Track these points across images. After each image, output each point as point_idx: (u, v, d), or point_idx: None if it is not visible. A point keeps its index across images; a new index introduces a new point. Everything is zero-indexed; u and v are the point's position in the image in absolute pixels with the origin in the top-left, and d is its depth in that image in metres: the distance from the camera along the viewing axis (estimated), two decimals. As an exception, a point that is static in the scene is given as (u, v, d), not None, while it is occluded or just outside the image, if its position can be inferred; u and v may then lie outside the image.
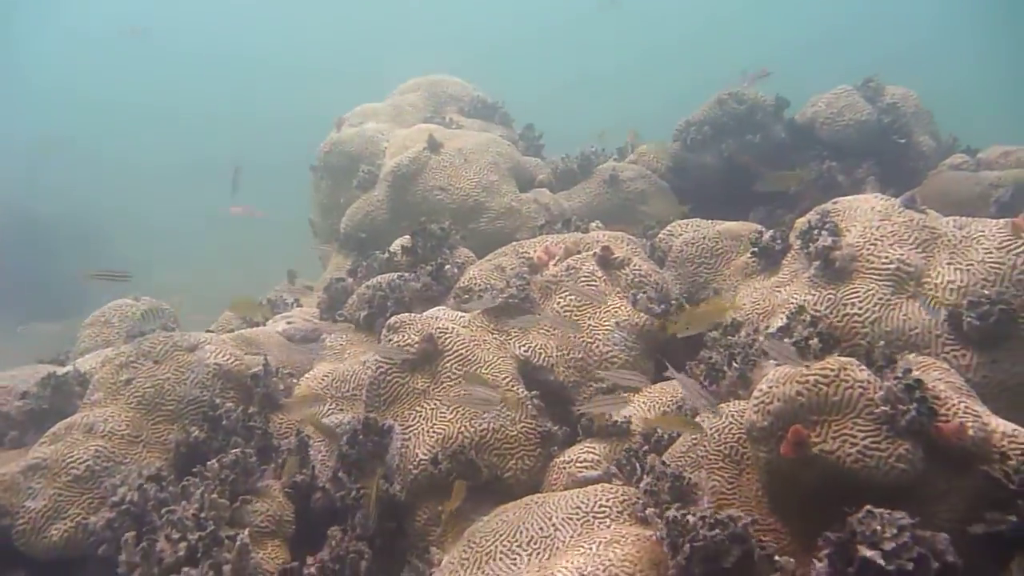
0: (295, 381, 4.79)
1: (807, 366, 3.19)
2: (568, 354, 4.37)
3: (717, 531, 2.82)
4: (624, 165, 7.39)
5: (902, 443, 2.83)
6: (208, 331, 5.74)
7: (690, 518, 2.92)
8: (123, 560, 3.46)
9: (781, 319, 3.88)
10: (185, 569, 3.37)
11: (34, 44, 32.96)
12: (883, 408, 2.88)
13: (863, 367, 3.07)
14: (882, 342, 3.40)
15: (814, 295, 3.88)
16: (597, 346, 4.32)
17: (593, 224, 5.42)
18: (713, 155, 7.06)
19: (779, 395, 3.08)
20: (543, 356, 4.40)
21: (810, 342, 3.39)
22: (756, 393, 3.21)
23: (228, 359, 4.56)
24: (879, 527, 2.58)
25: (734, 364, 3.66)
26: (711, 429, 3.47)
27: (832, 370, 3.03)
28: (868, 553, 2.52)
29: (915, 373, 3.13)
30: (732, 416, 3.47)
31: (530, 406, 4.15)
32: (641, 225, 6.23)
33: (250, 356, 4.84)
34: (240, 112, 30.62)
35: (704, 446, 3.45)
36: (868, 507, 2.66)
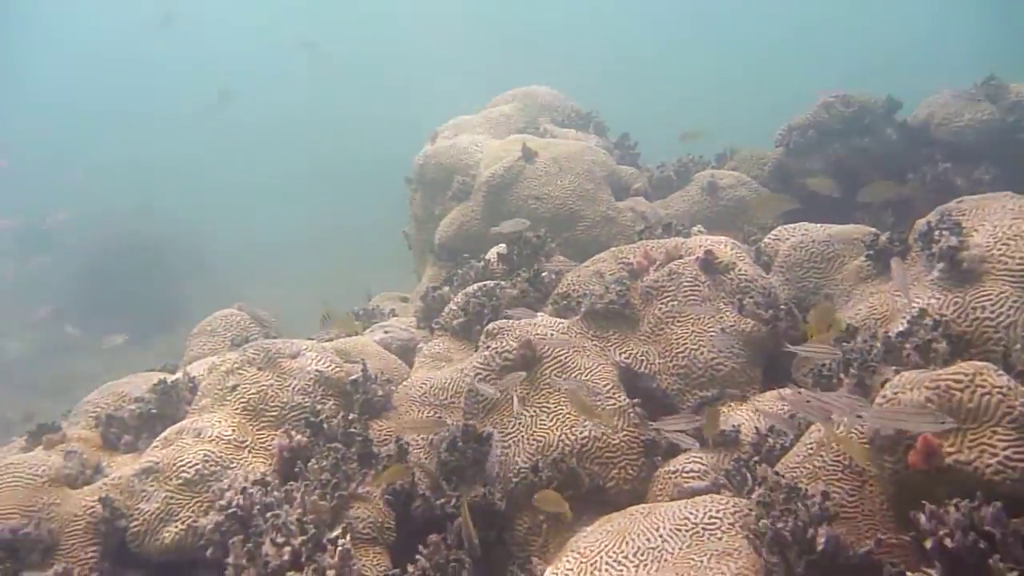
0: (394, 388, 4.79)
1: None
2: (671, 361, 4.23)
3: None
4: (723, 172, 7.20)
5: (1050, 454, 2.59)
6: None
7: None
8: (231, 563, 3.50)
9: (902, 324, 3.64)
10: (290, 573, 3.39)
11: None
12: (1027, 416, 2.65)
13: (1000, 372, 2.84)
14: (1019, 345, 3.12)
15: (939, 299, 3.63)
16: (702, 353, 4.16)
17: (695, 228, 5.26)
18: (819, 160, 6.79)
19: (907, 401, 2.87)
20: (644, 363, 4.27)
21: (935, 345, 3.16)
22: (880, 400, 3.01)
23: (329, 366, 4.61)
24: None
25: (851, 370, 3.44)
26: (829, 439, 3.27)
27: (966, 374, 2.81)
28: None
29: (1059, 379, 2.88)
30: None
31: (632, 414, 4.03)
32: (742, 232, 6.03)
33: (349, 364, 4.88)
34: (338, 123, 31.52)
35: (822, 456, 3.25)
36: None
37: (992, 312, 3.45)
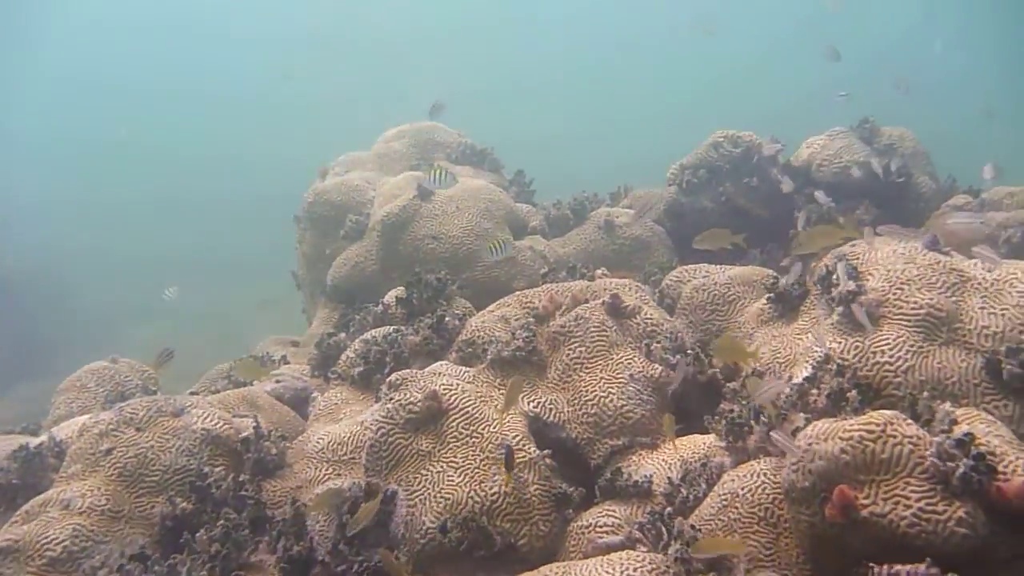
0: (288, 444, 4.50)
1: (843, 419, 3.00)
2: (580, 409, 4.14)
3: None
4: (619, 211, 7.25)
5: (961, 505, 2.62)
6: (192, 393, 5.44)
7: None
8: (105, 652, 3.15)
9: (806, 368, 3.69)
10: (174, 661, 3.07)
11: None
12: (936, 466, 2.68)
13: (910, 421, 2.88)
14: (925, 393, 3.19)
15: (840, 343, 3.69)
16: (611, 400, 4.09)
17: (599, 271, 5.23)
18: (710, 199, 6.94)
19: (821, 453, 2.86)
20: (554, 412, 4.16)
21: (848, 395, 3.18)
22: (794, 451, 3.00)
23: (216, 423, 4.28)
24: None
25: (762, 419, 3.44)
26: (743, 490, 3.24)
27: (877, 425, 2.83)
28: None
29: (962, 426, 2.94)
30: (765, 475, 3.25)
31: (543, 466, 3.89)
32: (642, 272, 6.06)
33: (239, 419, 4.56)
34: (215, 153, 30.35)
35: (736, 508, 3.22)
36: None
37: (891, 356, 3.53)
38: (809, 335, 3.95)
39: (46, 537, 3.54)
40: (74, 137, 30.55)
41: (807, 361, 3.75)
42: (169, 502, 3.85)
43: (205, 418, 4.26)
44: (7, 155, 28.74)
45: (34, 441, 4.32)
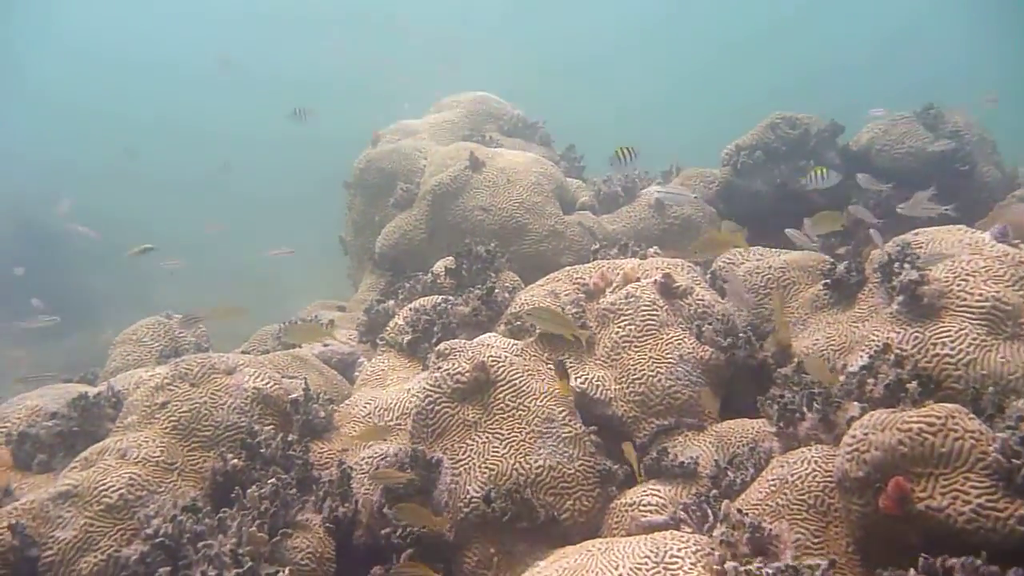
0: (335, 408, 4.56)
1: (903, 408, 2.95)
2: (627, 387, 4.12)
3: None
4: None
5: (1023, 503, 2.57)
6: (243, 352, 5.54)
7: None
8: (157, 598, 3.23)
9: (862, 357, 3.62)
10: (223, 611, 3.14)
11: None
12: (1000, 462, 2.62)
13: (972, 415, 2.81)
14: (991, 387, 3.12)
15: (899, 333, 3.62)
16: (659, 380, 4.06)
17: (651, 250, 5.18)
18: (764, 181, 6.82)
19: (877, 443, 2.82)
20: (600, 389, 4.15)
21: (908, 386, 3.12)
22: (848, 439, 2.96)
23: (267, 383, 4.34)
24: None
25: (815, 405, 3.39)
26: (793, 476, 3.21)
27: (938, 418, 2.77)
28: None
29: (1027, 423, 2.87)
30: (816, 462, 3.21)
31: (588, 442, 3.90)
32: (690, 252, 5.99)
33: (288, 380, 4.63)
34: (270, 129, 30.64)
35: (785, 494, 3.19)
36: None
37: (952, 349, 3.45)
38: (866, 323, 3.88)
39: (103, 484, 3.64)
40: (126, 115, 31.04)
41: (864, 349, 3.69)
42: (220, 457, 3.92)
43: (256, 377, 4.33)
44: (60, 126, 29.37)
45: (92, 390, 4.43)
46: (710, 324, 4.23)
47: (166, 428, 4.01)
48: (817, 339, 4.06)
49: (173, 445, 3.96)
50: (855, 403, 3.32)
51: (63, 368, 7.27)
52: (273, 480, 3.76)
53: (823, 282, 4.33)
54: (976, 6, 28.52)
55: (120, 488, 3.64)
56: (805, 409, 3.44)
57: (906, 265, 3.77)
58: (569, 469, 3.78)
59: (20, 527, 3.46)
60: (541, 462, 3.77)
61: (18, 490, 3.89)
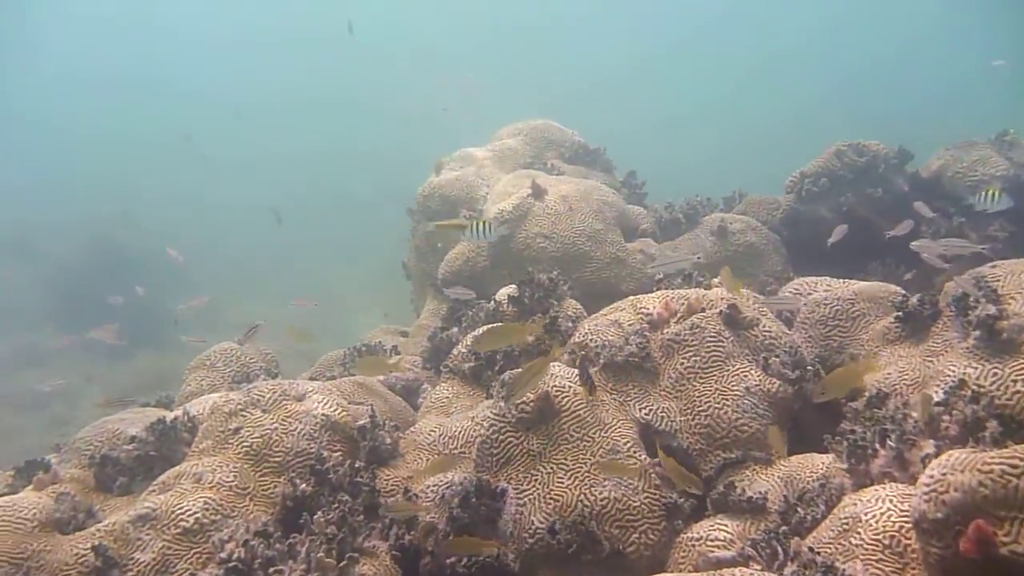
0: (400, 435, 4.62)
1: (981, 448, 2.87)
2: (693, 419, 4.09)
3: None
4: (732, 216, 7.12)
5: (1114, 551, 2.47)
6: (311, 378, 5.66)
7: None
8: (230, 622, 3.32)
9: (938, 393, 3.54)
10: (294, 636, 3.21)
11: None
12: (1088, 508, 2.53)
13: (1057, 458, 2.72)
14: (1075, 429, 3.02)
15: (976, 368, 3.53)
16: (725, 412, 4.03)
17: (715, 280, 5.15)
18: (830, 208, 6.73)
19: (956, 484, 2.74)
20: (665, 421, 4.13)
21: (987, 425, 3.04)
22: (926, 480, 2.88)
23: (335, 410, 4.43)
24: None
25: (888, 442, 3.32)
26: (867, 515, 3.14)
27: (1022, 460, 2.69)
28: None
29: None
30: (891, 501, 3.14)
31: (653, 475, 3.88)
32: (753, 280, 5.94)
33: (355, 406, 4.71)
34: (332, 152, 31.35)
35: (859, 533, 3.12)
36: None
37: (1033, 387, 3.35)
38: (941, 358, 3.79)
39: (180, 508, 3.75)
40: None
41: (938, 385, 3.60)
42: (290, 483, 4.01)
43: (325, 404, 4.42)
44: (139, 158, 30.55)
45: (169, 415, 4.58)
46: (777, 356, 4.18)
47: (239, 453, 4.12)
48: (889, 373, 3.98)
49: (246, 470, 4.06)
50: (930, 441, 3.25)
51: (134, 388, 7.53)
52: (340, 506, 3.82)
53: (895, 315, 4.25)
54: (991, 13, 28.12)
55: (196, 512, 3.75)
56: (878, 446, 3.37)
57: (982, 299, 3.67)
58: (634, 501, 3.77)
59: (103, 548, 3.59)
60: (606, 494, 3.76)
61: (100, 511, 4.05)
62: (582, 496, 3.77)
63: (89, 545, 3.65)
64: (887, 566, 3.00)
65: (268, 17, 39.64)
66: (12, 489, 4.47)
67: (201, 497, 3.83)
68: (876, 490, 3.23)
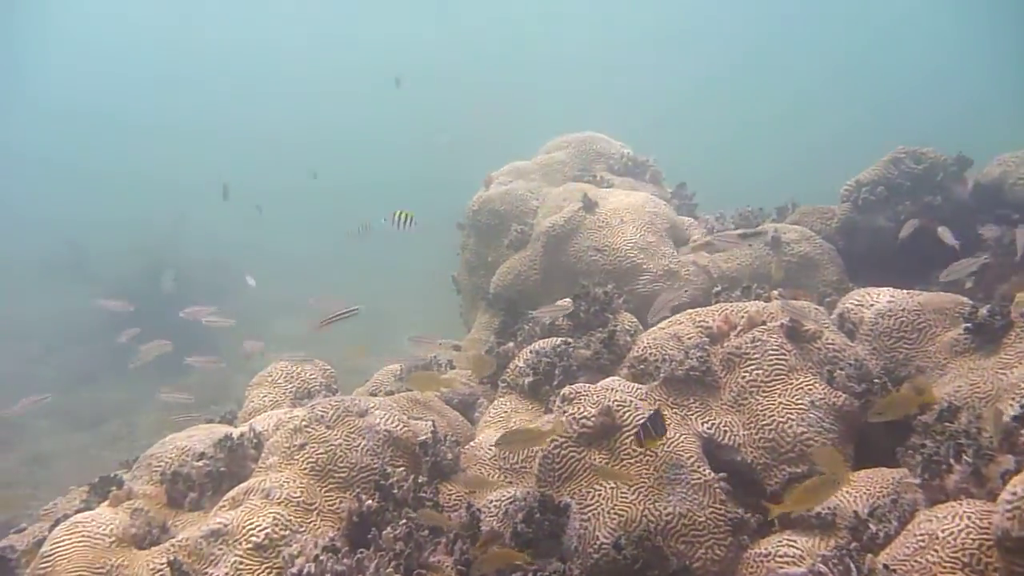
0: (461, 449, 4.66)
1: None
2: (756, 433, 4.06)
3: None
4: (786, 226, 7.04)
5: None
6: (368, 393, 5.73)
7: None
8: (303, 636, 3.36)
9: (1013, 407, 3.46)
10: (366, 651, 3.24)
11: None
12: None
13: None
14: None
15: (1053, 381, 3.45)
16: (790, 426, 3.99)
17: (775, 292, 5.11)
18: (887, 218, 6.62)
19: (1040, 501, 2.69)
20: (728, 435, 4.11)
21: (1069, 440, 2.97)
22: (1008, 496, 2.82)
23: (397, 425, 4.48)
24: None
25: (964, 457, 3.26)
26: (944, 532, 3.08)
27: (1110, 476, 2.63)
28: None
29: None
30: (969, 518, 3.08)
31: (718, 490, 3.85)
32: (817, 292, 5.86)
33: (415, 421, 4.76)
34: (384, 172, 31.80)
35: (935, 551, 3.06)
36: None
37: (1115, 399, 3.26)
38: (1015, 371, 3.71)
39: (251, 523, 3.82)
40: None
41: (1014, 398, 3.52)
42: (356, 499, 4.05)
43: (387, 420, 4.47)
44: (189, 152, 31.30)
45: (235, 431, 4.66)
46: (842, 369, 4.13)
47: (305, 469, 4.19)
48: (959, 386, 3.90)
49: (312, 486, 4.13)
50: (1009, 456, 3.18)
51: (188, 404, 7.69)
52: (406, 522, 3.86)
53: (964, 326, 4.17)
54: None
55: (266, 528, 3.82)
56: (952, 461, 3.31)
57: (1057, 309, 3.59)
58: (700, 517, 3.75)
59: (178, 563, 3.67)
60: (671, 509, 3.75)
61: (173, 526, 4.14)
62: (647, 511, 3.75)
63: (164, 560, 3.74)
64: (967, 584, 2.94)
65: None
66: (87, 505, 4.60)
67: (270, 513, 3.90)
68: (952, 506, 3.17)
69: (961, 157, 6.71)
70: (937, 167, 6.58)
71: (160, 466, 4.61)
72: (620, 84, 37.13)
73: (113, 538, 3.90)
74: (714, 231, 7.24)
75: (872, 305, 4.73)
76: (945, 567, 3.00)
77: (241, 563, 3.73)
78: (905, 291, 4.81)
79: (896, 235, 6.39)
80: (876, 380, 4.06)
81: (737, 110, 36.49)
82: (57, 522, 4.31)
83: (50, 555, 3.80)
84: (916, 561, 3.09)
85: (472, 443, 4.77)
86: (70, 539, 3.85)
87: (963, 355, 4.14)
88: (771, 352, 4.25)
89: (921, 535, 3.14)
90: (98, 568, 3.71)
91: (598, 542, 3.74)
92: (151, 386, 16.10)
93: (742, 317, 4.52)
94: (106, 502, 4.29)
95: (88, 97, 39.24)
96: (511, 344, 5.60)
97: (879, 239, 6.59)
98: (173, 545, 3.83)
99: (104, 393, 16.07)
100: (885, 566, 3.09)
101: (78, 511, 4.39)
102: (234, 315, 9.03)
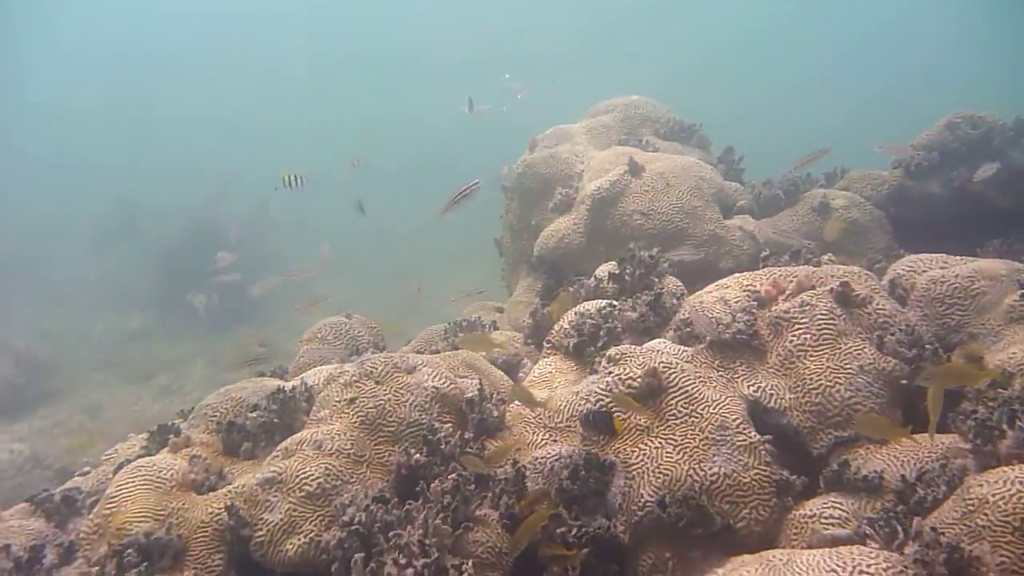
0: (507, 407, 4.72)
1: None
2: (803, 397, 4.06)
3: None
4: (835, 192, 6.94)
5: None
6: (413, 351, 5.82)
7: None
8: (354, 581, 3.48)
9: (1069, 374, 3.42)
10: (414, 597, 3.34)
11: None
12: None
13: None
14: None
15: (1112, 349, 3.39)
16: (838, 390, 3.98)
17: (825, 257, 5.06)
18: (940, 184, 6.49)
19: (1096, 468, 2.67)
20: (775, 398, 4.11)
21: None
22: (1060, 462, 2.81)
23: (444, 382, 4.56)
24: None
25: (1017, 423, 3.23)
26: (995, 497, 3.07)
27: None
28: None
29: None
30: (1022, 483, 3.06)
31: (763, 451, 3.87)
32: (865, 257, 5.79)
33: (461, 379, 4.83)
34: (424, 124, 31.82)
35: (985, 515, 3.05)
36: None
37: None
38: (1072, 338, 3.65)
39: (304, 472, 3.94)
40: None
41: (1069, 366, 3.48)
42: (404, 452, 4.16)
43: (434, 376, 4.55)
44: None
45: (287, 385, 4.79)
46: (893, 334, 4.09)
47: (355, 422, 4.29)
48: (1014, 352, 3.85)
49: (362, 439, 4.23)
50: (1061, 423, 3.15)
51: (233, 358, 7.95)
52: (454, 476, 3.95)
53: (1020, 292, 4.10)
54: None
55: (319, 477, 3.94)
56: (1005, 426, 3.29)
57: (1119, 276, 3.52)
58: (744, 478, 3.77)
59: (235, 509, 3.81)
60: (716, 469, 3.77)
61: (229, 474, 4.28)
62: (691, 471, 3.79)
63: (222, 505, 3.88)
64: (1017, 548, 2.94)
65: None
66: (147, 451, 4.77)
67: (322, 463, 4.01)
68: (1004, 471, 3.15)
69: (1020, 120, 6.54)
70: (994, 132, 6.43)
71: (216, 416, 4.76)
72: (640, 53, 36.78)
73: (174, 483, 4.05)
74: (760, 196, 7.17)
75: (924, 271, 4.67)
76: (995, 531, 3.00)
77: (295, 510, 3.86)
78: (959, 257, 4.73)
79: (950, 201, 6.28)
80: (927, 346, 4.02)
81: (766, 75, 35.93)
82: (120, 466, 4.49)
83: (115, 496, 3.97)
84: (965, 525, 3.09)
85: (517, 401, 4.83)
86: (133, 482, 4.01)
87: (1018, 321, 4.08)
88: (820, 316, 4.23)
89: (970, 499, 3.14)
90: (160, 511, 3.87)
91: (643, 500, 3.78)
92: (199, 344, 16.56)
93: (791, 281, 4.50)
94: (166, 448, 4.45)
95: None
96: (557, 305, 5.63)
97: (931, 205, 6.47)
98: (230, 491, 3.97)
99: (155, 348, 16.55)
100: (932, 528, 3.09)
101: (139, 456, 4.55)
102: (309, 270, 9.34)
